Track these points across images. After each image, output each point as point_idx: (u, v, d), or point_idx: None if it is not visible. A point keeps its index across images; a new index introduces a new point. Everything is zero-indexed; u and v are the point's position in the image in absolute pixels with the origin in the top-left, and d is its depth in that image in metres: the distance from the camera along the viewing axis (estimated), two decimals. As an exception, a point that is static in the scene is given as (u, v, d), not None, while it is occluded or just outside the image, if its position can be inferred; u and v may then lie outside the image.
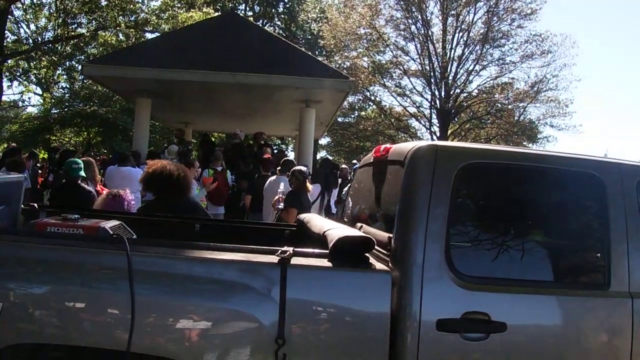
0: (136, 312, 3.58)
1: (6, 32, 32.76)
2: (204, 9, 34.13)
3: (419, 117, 45.01)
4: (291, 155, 32.49)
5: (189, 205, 7.06)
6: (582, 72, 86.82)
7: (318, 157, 34.48)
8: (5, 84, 36.47)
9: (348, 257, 3.91)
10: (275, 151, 18.80)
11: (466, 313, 3.85)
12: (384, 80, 43.50)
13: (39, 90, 47.85)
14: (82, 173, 9.46)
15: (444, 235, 3.96)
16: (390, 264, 4.00)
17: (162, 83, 17.34)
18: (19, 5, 37.73)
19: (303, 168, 10.65)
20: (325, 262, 3.90)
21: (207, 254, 3.99)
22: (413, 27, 40.89)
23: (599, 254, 4.34)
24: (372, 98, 46.47)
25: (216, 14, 34.36)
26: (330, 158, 42.69)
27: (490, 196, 4.50)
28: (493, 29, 39.18)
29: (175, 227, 6.40)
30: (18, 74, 43.35)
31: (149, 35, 33.40)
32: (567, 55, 39.98)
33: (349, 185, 6.91)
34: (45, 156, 25.04)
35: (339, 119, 46.75)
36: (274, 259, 3.78)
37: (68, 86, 46.16)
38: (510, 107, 42.64)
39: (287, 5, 53.93)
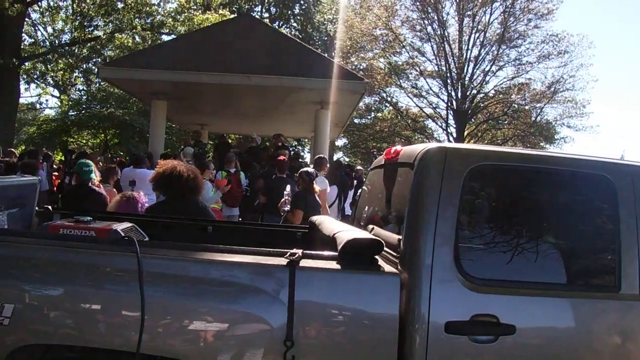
0: (147, 314, 3.62)
1: (23, 35, 32.89)
2: (220, 11, 34.18)
3: (435, 118, 44.93)
4: (307, 157, 32.56)
5: (197, 208, 7.06)
6: (599, 72, 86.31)
7: (335, 158, 34.44)
8: (22, 86, 36.70)
9: (357, 259, 3.91)
10: (291, 153, 18.80)
11: (475, 315, 3.84)
12: (400, 81, 43.49)
13: (56, 93, 48.09)
14: (93, 175, 9.51)
15: (453, 238, 3.94)
16: (399, 266, 4.00)
17: (178, 85, 17.39)
18: (36, 8, 37.93)
19: (310, 169, 10.66)
20: (334, 265, 3.91)
21: (217, 256, 4.01)
22: (429, 27, 40.93)
23: (609, 256, 4.29)
24: (389, 99, 46.48)
25: (232, 15, 34.43)
26: (347, 160, 42.75)
27: (499, 198, 4.48)
28: (509, 29, 39.13)
29: (188, 228, 6.43)
30: (35, 76, 43.59)
31: (165, 38, 33.46)
32: (583, 56, 39.89)
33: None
34: (62, 158, 25.15)
35: (356, 120, 46.77)
36: (282, 261, 3.79)
37: (85, 88, 46.33)
38: (527, 107, 42.57)
39: (303, 7, 53.94)
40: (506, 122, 44.38)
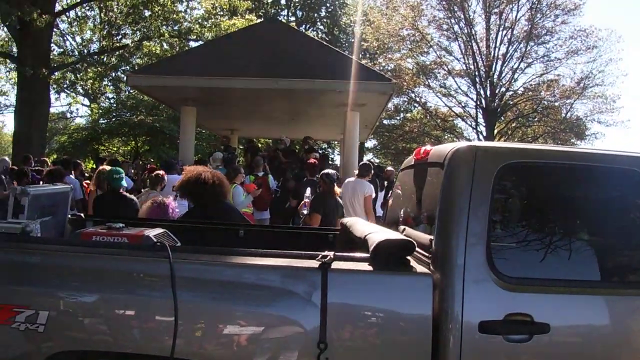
0: (181, 319, 3.64)
1: (52, 45, 33.15)
2: (247, 16, 34.25)
3: (464, 117, 44.73)
4: (337, 159, 32.53)
5: (224, 210, 7.08)
6: (629, 66, 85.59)
7: (364, 160, 34.48)
8: (53, 96, 36.99)
9: (389, 261, 3.91)
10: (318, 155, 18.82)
11: (509, 314, 3.82)
12: (429, 81, 43.38)
13: (86, 101, 48.49)
14: (124, 182, 9.56)
15: (485, 237, 3.93)
16: (431, 267, 3.99)
17: (207, 91, 17.46)
18: (64, 18, 38.23)
19: (331, 171, 10.65)
20: (366, 266, 3.91)
21: (249, 259, 4.03)
22: (456, 26, 40.79)
23: (644, 252, 4.25)
24: (417, 99, 46.31)
25: (258, 20, 34.50)
26: (377, 161, 42.66)
27: (530, 196, 4.44)
28: (537, 25, 38.86)
29: (220, 233, 6.46)
30: (65, 85, 43.97)
31: (192, 44, 33.59)
32: (612, 50, 39.90)
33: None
34: (94, 166, 25.33)
35: (385, 122, 46.71)
36: (314, 263, 3.80)
37: (114, 96, 46.66)
38: (556, 104, 42.19)
39: (329, 10, 53.97)
40: (536, 119, 44.10)
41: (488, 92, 40.78)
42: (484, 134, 41.37)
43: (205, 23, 33.57)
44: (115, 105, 43.95)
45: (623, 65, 70.62)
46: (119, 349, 3.83)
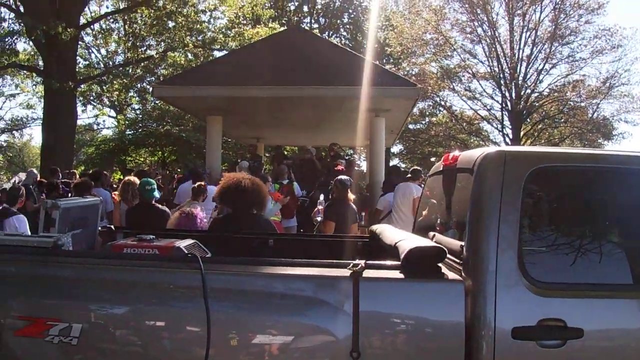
0: (213, 330, 3.64)
1: (78, 58, 33.40)
2: (270, 24, 34.32)
3: (490, 120, 44.57)
4: (363, 165, 32.47)
5: (260, 222, 7.08)
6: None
7: (391, 165, 34.40)
8: (79, 108, 37.23)
9: (420, 268, 3.91)
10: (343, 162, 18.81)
11: (542, 320, 3.79)
12: (453, 84, 43.27)
13: (112, 113, 48.83)
14: (156, 194, 9.60)
15: (516, 242, 3.90)
16: (462, 273, 3.98)
17: (232, 100, 17.48)
18: (89, 31, 38.51)
19: (344, 178, 10.61)
20: (397, 274, 3.91)
21: (280, 269, 4.04)
22: (479, 29, 40.67)
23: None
24: (442, 103, 46.26)
25: (282, 28, 34.56)
26: (403, 166, 42.59)
27: (561, 200, 4.41)
28: (560, 26, 38.63)
29: (249, 242, 6.47)
30: (91, 98, 44.25)
31: (216, 54, 33.70)
32: (638, 49, 39.50)
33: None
34: (121, 177, 25.46)
35: (410, 126, 46.64)
36: (346, 272, 3.80)
37: (140, 107, 46.91)
38: (582, 104, 41.92)
39: (352, 16, 53.96)
40: (562, 120, 43.83)
41: (513, 94, 40.61)
42: (510, 136, 41.21)
43: (229, 32, 33.66)
44: (141, 116, 44.23)
45: (650, 63, 70.16)
46: None
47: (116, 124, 45.69)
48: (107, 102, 46.54)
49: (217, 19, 36.80)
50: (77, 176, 18.80)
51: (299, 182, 15.73)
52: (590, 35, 39.12)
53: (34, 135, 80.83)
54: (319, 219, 10.02)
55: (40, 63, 31.91)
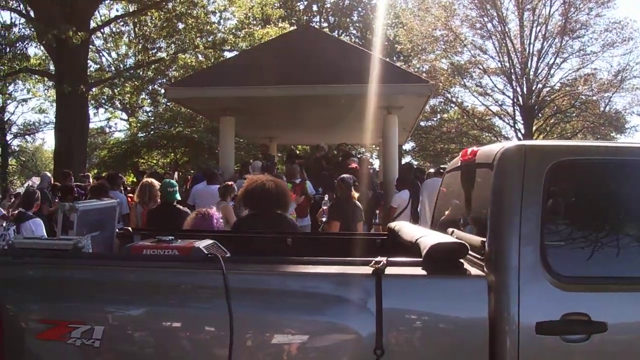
0: (235, 330, 3.64)
1: (89, 61, 33.50)
2: (280, 24, 34.34)
3: (502, 116, 44.40)
4: (376, 163, 32.43)
5: (284, 222, 7.09)
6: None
7: (403, 162, 34.35)
8: (91, 111, 37.37)
9: (442, 264, 3.89)
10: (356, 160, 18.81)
11: (565, 314, 3.78)
12: (464, 80, 43.12)
13: (124, 116, 48.99)
14: (178, 195, 9.61)
15: (538, 236, 3.89)
16: (485, 269, 3.97)
17: (245, 100, 17.49)
18: (99, 34, 38.61)
19: (347, 176, 10.58)
20: (419, 271, 3.89)
21: (302, 268, 4.04)
22: (489, 24, 40.47)
23: None
24: (454, 99, 46.17)
25: (292, 28, 34.58)
26: (415, 163, 42.54)
27: (583, 193, 4.39)
28: (571, 20, 38.40)
29: (268, 241, 6.47)
30: (103, 101, 44.43)
31: (227, 54, 33.73)
32: (649, 41, 39.06)
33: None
34: (134, 179, 25.51)
35: (422, 123, 46.54)
36: (368, 269, 3.79)
37: (152, 109, 47.03)
38: (594, 98, 41.65)
39: (362, 14, 53.97)
40: (574, 114, 43.61)
41: (525, 89, 40.43)
42: (522, 131, 41.10)
43: (239, 33, 33.72)
44: (152, 118, 44.34)
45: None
46: None
47: (128, 126, 45.85)
48: (119, 105, 46.71)
49: (227, 19, 36.94)
50: (92, 179, 18.87)
51: (311, 180, 15.72)
52: (601, 29, 38.92)
53: (47, 140, 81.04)
54: (323, 219, 10.02)
55: (52, 67, 32.06)
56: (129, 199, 14.49)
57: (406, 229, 5.43)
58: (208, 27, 33.45)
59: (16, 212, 9.49)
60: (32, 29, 28.69)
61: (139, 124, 42.14)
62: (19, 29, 32.86)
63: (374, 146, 42.29)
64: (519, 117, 42.13)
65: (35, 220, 9.23)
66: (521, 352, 3.72)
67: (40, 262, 4.21)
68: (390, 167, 18.66)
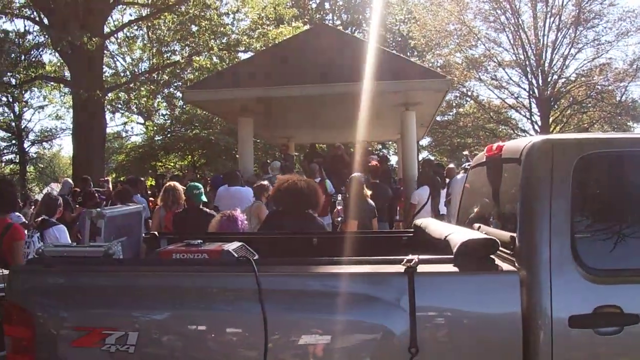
0: (269, 332, 3.65)
1: (104, 66, 33.64)
2: (293, 23, 34.36)
3: (518, 108, 44.21)
4: (393, 159, 32.42)
5: (312, 221, 7.12)
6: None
7: (420, 158, 34.32)
8: (107, 116, 37.53)
9: (473, 260, 3.90)
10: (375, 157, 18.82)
11: (598, 307, 3.78)
12: (479, 74, 42.98)
13: (140, 120, 49.11)
14: (204, 197, 9.63)
15: (568, 230, 3.89)
16: (516, 264, 3.97)
17: (264, 101, 17.56)
18: (113, 39, 38.76)
19: (358, 174, 10.58)
20: (451, 267, 3.90)
21: (332, 268, 4.04)
22: (502, 17, 40.27)
23: None
24: (469, 93, 46.04)
25: (305, 27, 34.59)
26: (432, 158, 42.48)
27: (612, 185, 4.37)
28: (584, 9, 38.15)
29: (293, 241, 6.49)
30: (119, 105, 44.61)
31: (241, 55, 33.78)
32: (663, 29, 38.77)
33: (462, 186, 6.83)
34: (153, 183, 25.59)
35: (438, 118, 46.42)
36: (400, 268, 3.79)
37: (168, 112, 47.17)
38: (610, 88, 41.45)
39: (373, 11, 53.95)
40: (590, 105, 43.37)
41: (540, 81, 40.24)
42: (539, 123, 40.95)
43: (253, 34, 33.77)
44: (169, 121, 44.46)
45: (676, 43, 69.27)
46: None
47: (144, 130, 45.99)
48: (135, 109, 46.86)
49: (240, 20, 37.00)
50: (111, 184, 18.94)
51: (331, 179, 15.74)
52: (615, 18, 38.65)
53: (64, 146, 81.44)
54: (339, 219, 10.03)
55: (67, 74, 32.19)
56: (150, 203, 14.56)
57: (433, 226, 5.44)
58: (222, 28, 33.54)
59: (39, 219, 9.50)
60: (47, 36, 28.83)
61: (155, 128, 42.26)
62: (33, 36, 33.11)
63: (390, 142, 42.27)
64: (535, 109, 41.97)
65: (59, 227, 9.22)
66: (555, 346, 3.72)
67: (71, 269, 4.23)
68: (409, 163, 18.70)
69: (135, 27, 38.07)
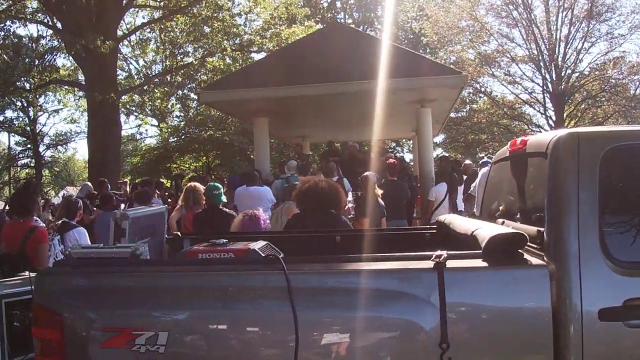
0: (299, 330, 3.66)
1: (117, 69, 33.76)
2: (306, 23, 34.37)
3: (532, 103, 44.13)
4: (408, 157, 32.38)
5: (336, 220, 7.14)
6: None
7: (434, 155, 34.29)
8: (122, 118, 37.67)
9: (502, 255, 3.89)
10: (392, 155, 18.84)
11: (627, 300, 3.77)
12: (492, 70, 42.93)
13: (154, 122, 49.23)
14: (224, 198, 9.65)
15: (596, 223, 3.88)
16: (545, 258, 3.96)
17: (279, 101, 17.55)
18: (126, 42, 38.84)
19: (369, 173, 10.59)
20: (480, 262, 3.90)
21: (360, 265, 4.04)
22: (515, 12, 40.18)
23: None
24: (483, 89, 45.94)
25: (317, 26, 34.59)
26: (447, 155, 42.44)
27: (639, 177, 4.36)
28: (597, 3, 38.06)
29: (316, 240, 6.49)
30: (133, 108, 44.73)
31: (255, 56, 33.86)
32: (676, 21, 38.60)
33: (484, 181, 6.81)
34: (168, 184, 25.67)
35: (452, 115, 46.33)
36: (429, 264, 3.80)
37: (182, 114, 47.25)
38: (624, 81, 41.33)
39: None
40: (605, 98, 43.21)
41: (554, 76, 40.14)
42: (553, 118, 40.84)
43: (265, 34, 33.79)
44: (183, 122, 44.55)
45: (689, 35, 68.94)
46: None
47: (159, 132, 46.08)
48: (149, 111, 46.97)
49: (252, 21, 37.00)
50: (129, 186, 19.00)
51: (348, 177, 15.74)
52: (628, 11, 38.56)
53: (79, 149, 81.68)
54: (350, 216, 10.05)
55: (81, 77, 32.33)
56: (169, 205, 14.59)
57: (458, 221, 5.44)
58: (234, 29, 33.58)
59: (59, 222, 9.55)
60: (60, 41, 28.96)
61: (169, 130, 42.36)
62: (47, 41, 33.23)
63: (403, 140, 42.25)
64: (549, 104, 41.88)
65: (79, 230, 9.29)
66: (585, 340, 3.71)
67: (99, 270, 4.24)
68: (425, 160, 18.67)
69: (148, 30, 38.24)
